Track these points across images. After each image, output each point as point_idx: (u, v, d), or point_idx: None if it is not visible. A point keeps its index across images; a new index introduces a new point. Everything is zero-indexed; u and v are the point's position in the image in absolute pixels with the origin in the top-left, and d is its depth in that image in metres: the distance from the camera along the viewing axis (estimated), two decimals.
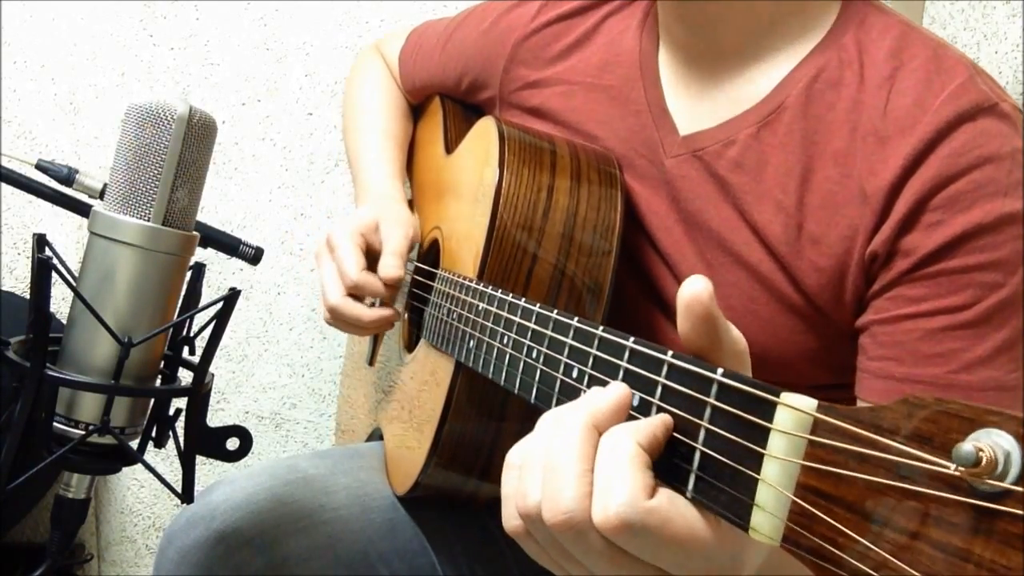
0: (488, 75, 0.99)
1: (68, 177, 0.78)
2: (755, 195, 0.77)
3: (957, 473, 0.28)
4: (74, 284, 0.68)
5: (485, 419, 0.82)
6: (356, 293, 0.90)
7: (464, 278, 0.81)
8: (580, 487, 0.42)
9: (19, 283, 1.47)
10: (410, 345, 0.99)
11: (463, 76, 1.03)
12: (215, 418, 1.51)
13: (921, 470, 0.30)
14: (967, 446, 0.27)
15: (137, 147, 0.67)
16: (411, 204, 1.12)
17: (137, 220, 0.67)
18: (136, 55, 1.46)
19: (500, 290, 0.71)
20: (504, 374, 0.66)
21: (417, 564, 0.90)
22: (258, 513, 0.86)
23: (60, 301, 1.28)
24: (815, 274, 0.74)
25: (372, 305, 0.92)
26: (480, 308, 0.74)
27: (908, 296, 0.70)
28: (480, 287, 0.75)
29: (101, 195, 0.76)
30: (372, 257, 0.92)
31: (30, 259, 0.76)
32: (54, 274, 0.67)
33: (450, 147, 1.02)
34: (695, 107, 0.82)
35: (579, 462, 0.43)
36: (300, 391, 1.60)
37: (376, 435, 1.04)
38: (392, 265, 0.90)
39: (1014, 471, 0.27)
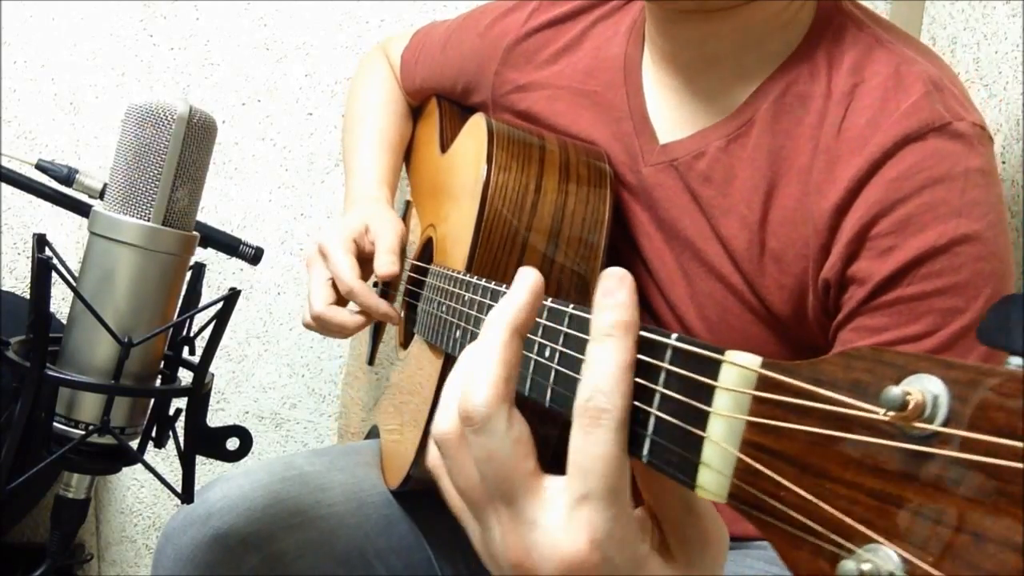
0: (480, 78, 1.00)
1: (68, 177, 0.78)
2: (722, 209, 0.76)
3: (887, 418, 0.28)
4: (74, 284, 0.68)
5: None
6: (351, 299, 0.91)
7: (453, 271, 0.81)
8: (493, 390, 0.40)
9: (19, 283, 1.47)
10: (405, 342, 1.00)
11: (458, 79, 1.04)
12: (215, 418, 1.51)
13: (855, 419, 0.30)
14: (895, 390, 0.27)
15: (137, 147, 0.67)
16: (408, 204, 1.13)
17: (137, 220, 0.68)
18: (136, 55, 1.46)
19: (484, 279, 0.71)
20: None
21: (413, 560, 0.91)
22: (254, 510, 0.86)
23: (60, 301, 1.28)
24: (778, 291, 0.74)
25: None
26: (466, 298, 0.74)
27: (869, 327, 0.68)
28: (465, 277, 0.76)
29: (101, 195, 0.76)
30: (363, 261, 0.93)
31: (30, 259, 0.76)
32: (54, 274, 0.67)
33: (445, 146, 1.03)
34: (674, 115, 0.82)
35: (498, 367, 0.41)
36: (300, 391, 1.60)
37: (374, 432, 1.04)
38: (388, 262, 0.90)
39: (942, 414, 0.27)
